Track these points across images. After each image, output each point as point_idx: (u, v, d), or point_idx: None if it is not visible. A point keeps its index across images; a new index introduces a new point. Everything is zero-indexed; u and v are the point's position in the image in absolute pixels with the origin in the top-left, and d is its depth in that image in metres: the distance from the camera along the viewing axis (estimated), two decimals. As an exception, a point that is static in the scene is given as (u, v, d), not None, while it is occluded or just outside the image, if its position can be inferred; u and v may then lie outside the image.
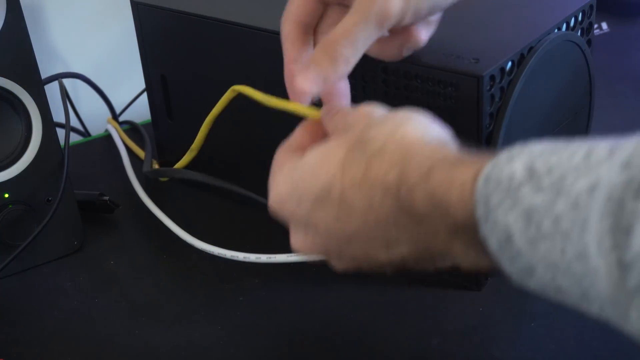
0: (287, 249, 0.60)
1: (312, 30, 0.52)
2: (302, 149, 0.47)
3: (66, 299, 0.62)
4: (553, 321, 0.54)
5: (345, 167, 0.42)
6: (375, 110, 0.46)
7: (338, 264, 0.46)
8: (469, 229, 0.37)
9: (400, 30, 0.50)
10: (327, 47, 0.48)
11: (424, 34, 0.51)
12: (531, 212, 0.34)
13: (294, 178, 0.45)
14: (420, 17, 0.49)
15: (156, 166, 0.78)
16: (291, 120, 0.59)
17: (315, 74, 0.48)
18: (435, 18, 0.51)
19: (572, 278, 0.34)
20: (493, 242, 0.36)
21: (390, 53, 0.52)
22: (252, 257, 0.60)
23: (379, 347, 0.54)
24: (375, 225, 0.42)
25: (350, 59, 0.48)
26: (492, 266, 0.38)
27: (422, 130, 0.43)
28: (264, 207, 0.60)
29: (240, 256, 0.60)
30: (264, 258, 0.59)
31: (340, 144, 0.44)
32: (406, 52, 0.52)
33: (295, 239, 0.47)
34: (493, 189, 0.35)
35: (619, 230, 0.31)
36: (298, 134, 0.50)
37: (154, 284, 0.63)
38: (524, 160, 0.35)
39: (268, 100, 0.55)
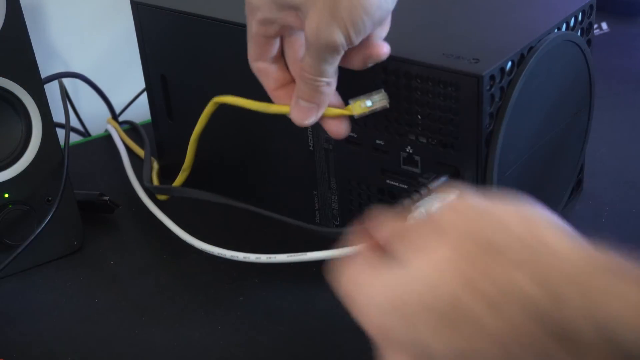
0: (287, 249, 0.60)
1: (280, 57, 0.55)
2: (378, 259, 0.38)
3: (66, 299, 0.62)
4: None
5: (472, 278, 0.33)
6: (472, 201, 0.37)
7: None
8: None
9: (362, 42, 0.51)
10: (306, 80, 0.51)
11: (384, 48, 0.52)
12: None
13: (396, 288, 0.36)
14: (369, 30, 0.49)
15: (156, 166, 0.78)
16: (289, 123, 0.59)
17: (307, 107, 0.53)
18: (386, 20, 0.52)
19: None
20: None
21: (356, 64, 0.53)
22: (252, 257, 0.60)
23: (379, 347, 0.54)
24: (516, 351, 0.31)
25: (331, 83, 0.52)
26: None
27: (559, 230, 0.34)
28: (265, 217, 0.60)
29: (240, 256, 0.60)
30: (264, 258, 0.59)
31: (454, 251, 0.35)
32: (370, 63, 0.53)
33: None
34: None
35: None
36: (361, 251, 0.40)
37: (154, 284, 0.63)
38: None
39: (251, 105, 0.58)
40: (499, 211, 0.36)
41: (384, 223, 0.40)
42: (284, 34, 0.54)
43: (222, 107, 0.62)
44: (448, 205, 0.38)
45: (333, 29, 0.47)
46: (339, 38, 0.48)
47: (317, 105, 0.53)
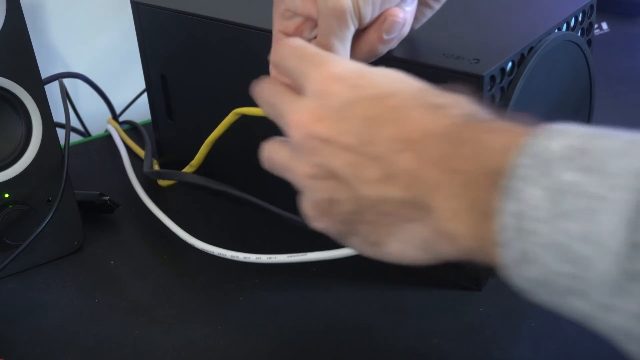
0: (287, 250, 0.60)
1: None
2: None
3: (66, 299, 0.62)
4: (553, 321, 0.54)
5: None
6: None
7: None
8: (490, 198, 0.34)
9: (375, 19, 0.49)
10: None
11: (399, 13, 0.50)
12: (556, 188, 0.32)
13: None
14: (379, 4, 0.48)
15: (156, 167, 0.78)
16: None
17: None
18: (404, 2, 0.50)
19: (570, 262, 0.32)
20: (503, 219, 0.34)
21: (367, 48, 0.50)
22: (253, 258, 0.60)
23: (379, 347, 0.54)
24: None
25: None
26: (476, 244, 0.36)
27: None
28: (264, 209, 0.60)
29: (241, 256, 0.60)
30: (264, 258, 0.59)
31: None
32: (381, 45, 0.50)
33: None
34: (528, 161, 0.34)
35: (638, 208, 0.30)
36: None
37: (154, 284, 0.63)
38: (566, 138, 0.33)
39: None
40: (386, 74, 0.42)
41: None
42: (304, 29, 0.52)
43: (228, 107, 0.62)
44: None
45: None
46: (346, 3, 0.46)
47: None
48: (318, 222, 0.44)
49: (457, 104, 0.39)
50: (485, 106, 0.39)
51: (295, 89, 0.45)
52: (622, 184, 0.31)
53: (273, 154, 0.46)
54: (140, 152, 0.80)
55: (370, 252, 0.43)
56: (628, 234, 0.30)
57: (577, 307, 0.33)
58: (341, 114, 0.41)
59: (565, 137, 0.33)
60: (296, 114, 0.43)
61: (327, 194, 0.42)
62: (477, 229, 0.36)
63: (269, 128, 0.65)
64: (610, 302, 0.31)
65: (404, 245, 0.40)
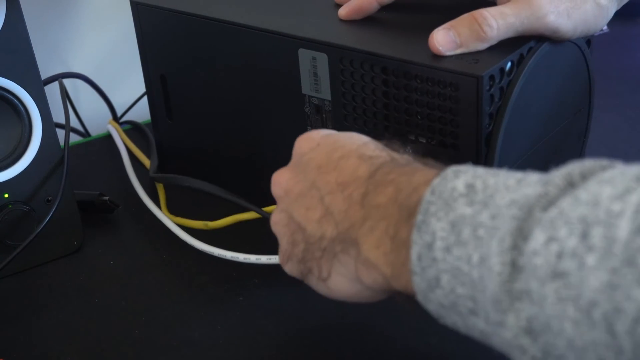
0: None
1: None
2: None
3: (66, 299, 0.62)
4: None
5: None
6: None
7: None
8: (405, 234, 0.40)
9: None
10: (472, 22, 0.52)
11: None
12: (458, 221, 0.37)
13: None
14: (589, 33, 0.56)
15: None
16: (291, 120, 0.59)
17: (452, 39, 0.53)
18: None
19: (469, 285, 0.36)
20: (415, 249, 0.39)
21: None
22: (253, 258, 0.60)
23: (379, 347, 0.55)
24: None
25: (491, 41, 0.53)
26: (396, 278, 0.41)
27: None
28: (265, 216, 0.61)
29: (241, 257, 0.60)
30: (264, 259, 0.59)
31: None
32: None
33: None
34: (436, 199, 0.39)
35: (521, 234, 0.34)
36: None
37: (154, 284, 0.63)
38: (467, 178, 0.39)
39: None
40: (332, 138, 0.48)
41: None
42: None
43: (228, 107, 0.62)
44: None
45: None
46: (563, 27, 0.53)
47: (463, 47, 0.53)
48: (286, 266, 0.50)
49: (384, 154, 0.45)
50: (408, 156, 0.45)
51: None
52: (507, 214, 0.35)
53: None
54: (141, 155, 0.80)
55: (323, 288, 0.48)
56: (510, 257, 0.34)
57: (478, 326, 0.37)
58: (301, 167, 0.48)
59: (465, 176, 0.39)
60: (275, 174, 0.50)
61: (288, 237, 0.48)
62: (395, 257, 0.41)
63: (273, 134, 0.66)
64: (502, 319, 0.35)
65: (341, 278, 0.46)
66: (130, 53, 0.83)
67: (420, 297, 0.40)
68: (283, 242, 0.49)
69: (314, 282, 0.48)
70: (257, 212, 0.61)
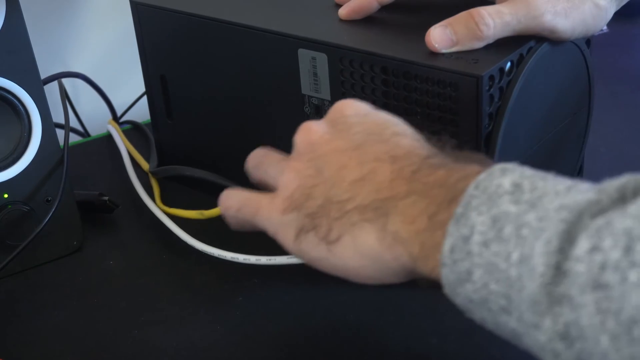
0: (286, 251, 0.60)
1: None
2: None
3: (66, 299, 0.62)
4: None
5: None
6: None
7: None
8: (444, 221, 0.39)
9: None
10: (469, 20, 0.52)
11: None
12: (500, 217, 0.37)
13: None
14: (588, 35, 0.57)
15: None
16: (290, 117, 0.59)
17: (450, 39, 0.53)
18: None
19: (504, 283, 0.36)
20: (449, 240, 0.38)
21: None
22: (252, 259, 0.60)
23: (379, 347, 0.55)
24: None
25: (487, 40, 0.53)
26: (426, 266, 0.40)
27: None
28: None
29: (241, 258, 0.60)
30: (264, 260, 0.59)
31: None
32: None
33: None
34: (480, 193, 0.38)
35: (568, 238, 0.34)
36: None
37: (154, 284, 0.63)
38: (514, 177, 0.38)
39: None
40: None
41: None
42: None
43: (228, 107, 0.62)
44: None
45: None
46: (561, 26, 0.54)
47: (455, 44, 0.53)
48: (286, 214, 0.47)
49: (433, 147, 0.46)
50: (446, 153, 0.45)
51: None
52: (556, 217, 0.35)
53: (268, 150, 0.53)
54: (138, 157, 0.79)
55: (320, 251, 0.45)
56: (556, 260, 0.34)
57: (510, 325, 0.37)
58: (343, 126, 0.47)
59: (512, 175, 0.38)
60: (307, 123, 0.48)
61: (304, 188, 0.46)
62: (429, 237, 0.40)
63: (273, 134, 0.66)
64: (538, 322, 0.34)
65: (350, 245, 0.44)
66: (130, 53, 0.83)
67: (447, 290, 0.39)
68: (293, 191, 0.46)
69: (313, 241, 0.45)
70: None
